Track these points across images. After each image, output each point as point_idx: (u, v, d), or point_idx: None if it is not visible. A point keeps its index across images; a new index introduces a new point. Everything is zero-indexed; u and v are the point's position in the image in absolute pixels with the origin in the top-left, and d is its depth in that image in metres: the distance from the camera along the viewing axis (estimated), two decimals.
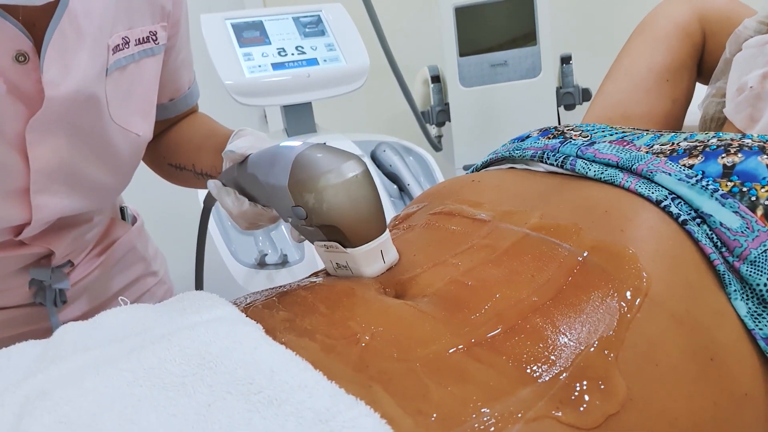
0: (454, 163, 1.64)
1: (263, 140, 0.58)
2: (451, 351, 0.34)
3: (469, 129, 1.62)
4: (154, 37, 0.62)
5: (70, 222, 0.65)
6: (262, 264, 1.03)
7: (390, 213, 1.08)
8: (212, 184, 0.59)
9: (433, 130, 1.69)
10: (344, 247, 0.45)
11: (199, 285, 0.86)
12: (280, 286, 0.48)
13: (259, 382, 0.28)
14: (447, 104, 1.63)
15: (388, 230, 0.46)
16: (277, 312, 0.39)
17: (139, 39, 0.60)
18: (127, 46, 0.59)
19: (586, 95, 1.63)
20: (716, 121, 0.79)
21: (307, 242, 1.07)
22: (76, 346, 0.34)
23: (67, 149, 0.56)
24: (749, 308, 0.40)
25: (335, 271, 0.48)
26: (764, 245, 0.40)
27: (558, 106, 1.63)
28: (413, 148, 1.27)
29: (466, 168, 1.62)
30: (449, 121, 1.64)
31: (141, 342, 0.32)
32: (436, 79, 1.64)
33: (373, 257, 0.45)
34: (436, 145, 1.50)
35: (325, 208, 0.43)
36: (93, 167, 0.60)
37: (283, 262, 1.05)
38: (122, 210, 0.80)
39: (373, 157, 1.21)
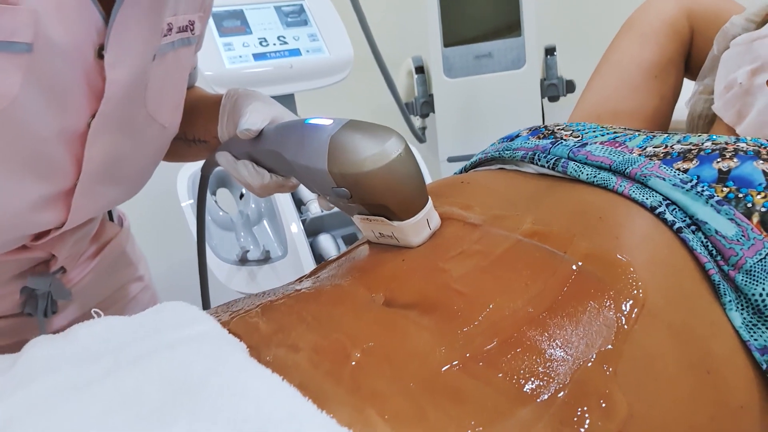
0: (438, 156, 1.63)
1: (269, 106, 0.56)
2: (446, 368, 0.32)
3: (453, 120, 1.60)
4: (191, 27, 0.59)
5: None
6: (243, 260, 1.01)
7: None
8: (223, 157, 0.57)
9: (417, 122, 1.68)
10: (390, 220, 0.45)
11: (202, 270, 0.81)
12: (264, 293, 0.46)
13: (246, 411, 0.26)
14: (431, 95, 1.61)
15: (429, 198, 0.46)
16: (262, 324, 0.38)
17: (180, 27, 0.57)
18: (170, 32, 0.55)
19: (570, 87, 1.62)
20: (704, 119, 0.78)
21: (290, 237, 1.05)
22: (48, 364, 0.32)
23: (114, 145, 0.53)
24: (744, 318, 0.39)
25: (377, 239, 0.48)
26: (760, 254, 0.40)
27: (542, 97, 1.62)
28: None
29: (450, 160, 1.60)
30: (433, 112, 1.62)
31: (116, 362, 0.30)
32: (420, 69, 1.62)
33: (421, 227, 0.45)
34: (420, 136, 1.49)
35: (371, 190, 0.43)
36: (129, 162, 0.57)
37: (266, 258, 1.02)
38: (109, 210, 0.76)
39: None
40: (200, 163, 0.71)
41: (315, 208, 1.08)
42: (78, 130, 0.49)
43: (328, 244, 1.06)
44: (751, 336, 0.38)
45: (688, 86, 0.82)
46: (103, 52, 0.46)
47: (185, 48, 0.59)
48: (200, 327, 0.33)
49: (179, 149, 0.70)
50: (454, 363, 0.33)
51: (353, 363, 0.32)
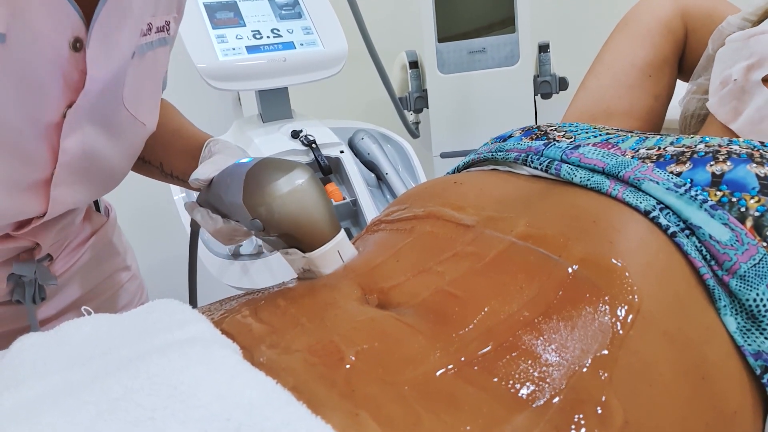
0: (432, 151, 1.63)
1: (231, 156, 0.57)
2: (440, 372, 0.32)
3: (447, 116, 1.60)
4: (168, 27, 0.60)
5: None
6: (236, 255, 1.00)
7: (368, 202, 1.06)
8: (188, 205, 0.59)
9: (410, 117, 1.67)
10: (303, 251, 0.46)
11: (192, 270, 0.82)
12: (257, 291, 0.46)
13: (238, 418, 0.26)
14: (425, 90, 1.60)
15: (342, 230, 0.48)
16: (256, 325, 0.37)
17: (158, 27, 0.58)
18: (150, 32, 0.56)
19: (562, 84, 1.62)
20: (697, 118, 0.78)
21: None
22: (35, 367, 0.31)
23: (90, 138, 0.54)
24: (738, 323, 0.39)
25: (303, 275, 0.49)
26: (754, 259, 0.40)
27: (535, 94, 1.62)
28: (392, 136, 1.24)
29: (443, 156, 1.60)
30: (427, 107, 1.62)
31: (105, 366, 0.29)
32: (414, 64, 1.62)
33: (331, 258, 0.47)
34: (413, 131, 1.48)
35: (277, 217, 0.46)
36: (106, 157, 0.58)
37: (258, 253, 1.02)
38: (95, 201, 0.77)
39: (351, 145, 1.19)
40: None
41: None
42: (53, 121, 0.50)
43: None
44: (745, 341, 0.39)
45: (682, 86, 0.82)
46: (78, 45, 0.47)
47: (162, 48, 0.61)
48: (192, 328, 0.33)
49: (155, 175, 0.72)
50: (448, 367, 0.33)
51: (347, 366, 0.32)
